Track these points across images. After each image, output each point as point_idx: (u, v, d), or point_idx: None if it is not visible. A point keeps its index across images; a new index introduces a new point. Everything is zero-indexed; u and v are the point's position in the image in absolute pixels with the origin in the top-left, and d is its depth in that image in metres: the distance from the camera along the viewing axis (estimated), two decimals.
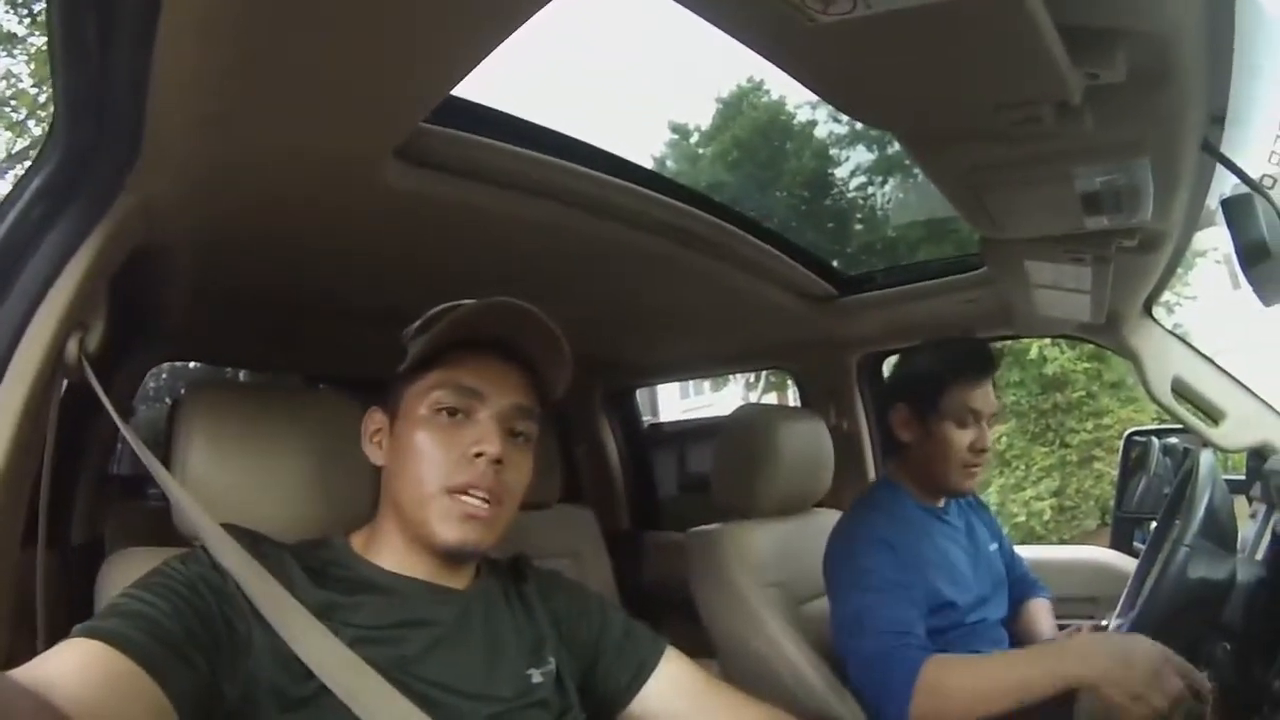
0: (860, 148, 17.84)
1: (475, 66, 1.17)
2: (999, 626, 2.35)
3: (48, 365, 1.30)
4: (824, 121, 18.12)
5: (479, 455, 1.36)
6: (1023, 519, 12.38)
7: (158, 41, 1.06)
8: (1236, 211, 1.45)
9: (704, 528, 2.61)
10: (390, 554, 1.41)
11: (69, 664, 1.00)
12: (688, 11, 1.05)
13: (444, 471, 1.36)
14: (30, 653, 1.03)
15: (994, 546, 2.49)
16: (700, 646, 1.66)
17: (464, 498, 1.35)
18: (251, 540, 1.30)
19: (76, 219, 1.34)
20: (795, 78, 1.21)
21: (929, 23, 1.00)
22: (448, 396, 1.40)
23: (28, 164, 1.39)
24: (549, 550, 2.61)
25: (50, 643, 1.05)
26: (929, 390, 2.26)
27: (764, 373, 14.29)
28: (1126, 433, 3.41)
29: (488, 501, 1.36)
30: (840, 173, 18.33)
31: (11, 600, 1.38)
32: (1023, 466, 12.95)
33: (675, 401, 20.64)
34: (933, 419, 2.25)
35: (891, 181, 17.63)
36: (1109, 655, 1.66)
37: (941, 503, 2.38)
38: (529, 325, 1.42)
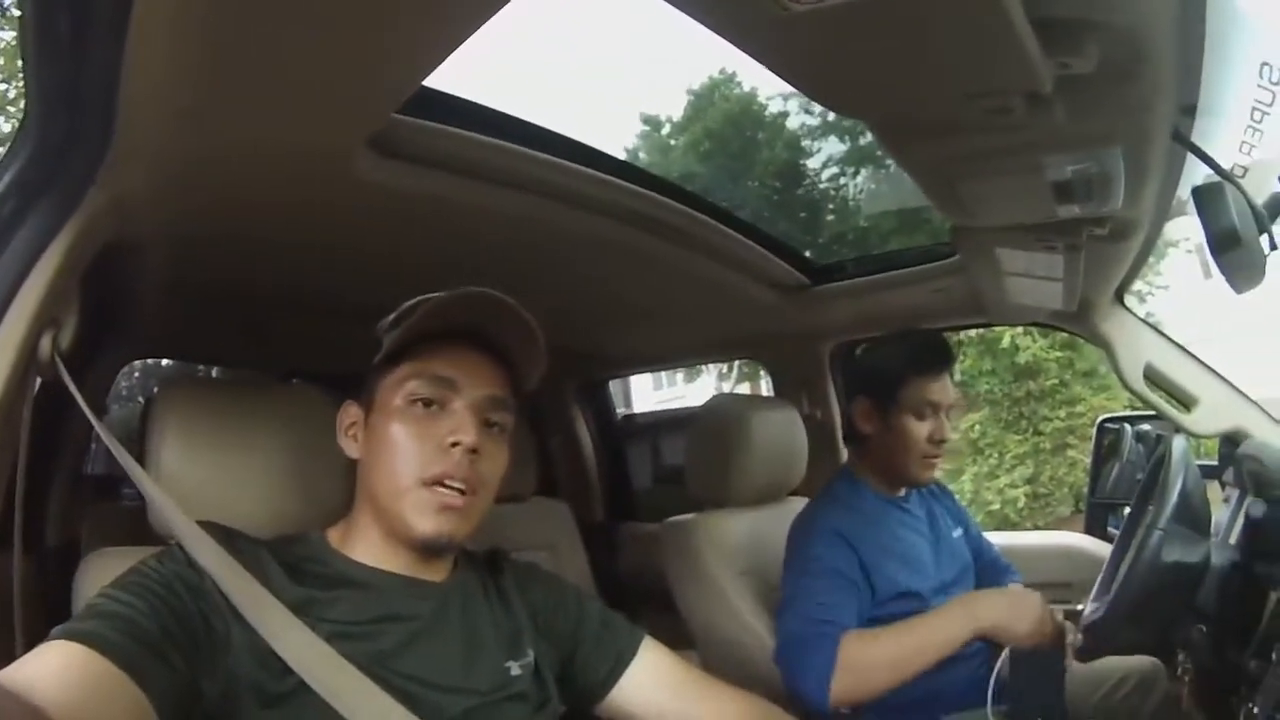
0: (832, 139, 17.89)
1: (447, 57, 1.17)
2: None
3: (20, 363, 1.29)
4: (795, 113, 18.17)
5: (454, 445, 1.35)
6: (997, 506, 12.49)
7: (130, 34, 1.05)
8: (1208, 200, 1.46)
9: (679, 518, 2.63)
10: (366, 548, 1.40)
11: (48, 667, 0.99)
12: (660, 2, 1.05)
13: (419, 463, 1.35)
14: (8, 655, 1.02)
15: (958, 533, 2.53)
16: (677, 637, 1.67)
17: (439, 489, 1.35)
18: (227, 537, 1.29)
19: (48, 214, 1.33)
20: (768, 67, 1.21)
21: (902, 10, 1.01)
22: (422, 387, 1.39)
23: None
24: (525, 543, 2.60)
25: (28, 645, 1.05)
26: (888, 384, 2.32)
27: (737, 363, 14.34)
28: (1099, 419, 3.43)
29: (463, 492, 1.35)
30: (812, 164, 18.38)
31: None
32: (996, 454, 13.06)
33: (649, 393, 20.65)
34: (892, 411, 2.31)
35: (864, 172, 17.69)
36: (1001, 605, 2.04)
37: (902, 492, 2.43)
38: (504, 316, 1.41)
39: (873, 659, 1.96)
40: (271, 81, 1.19)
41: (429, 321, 1.39)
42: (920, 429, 2.28)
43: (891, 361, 2.36)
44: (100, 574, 1.33)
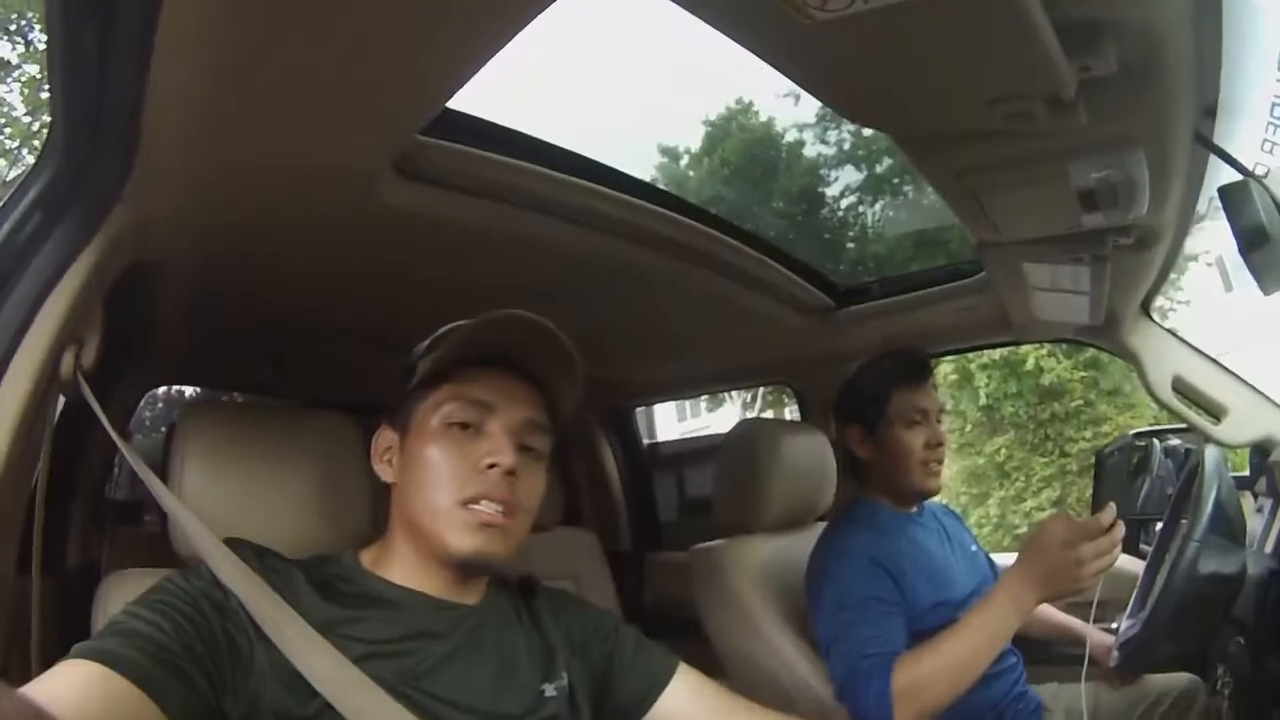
0: (849, 168, 17.93)
1: (470, 78, 1.18)
2: None
3: (42, 380, 1.29)
4: (811, 143, 18.20)
5: (491, 466, 1.34)
6: (1024, 530, 12.40)
7: (155, 54, 1.05)
8: (1233, 199, 1.45)
9: (708, 544, 2.59)
10: (401, 570, 1.39)
11: (66, 686, 0.98)
12: (677, 29, 1.05)
13: (457, 484, 1.34)
14: (24, 677, 1.02)
15: (974, 548, 2.53)
16: (705, 668, 1.64)
17: (477, 507, 1.33)
18: (258, 555, 1.29)
19: (72, 231, 1.34)
20: (791, 78, 1.21)
21: (924, 17, 1.01)
22: (458, 410, 1.38)
23: None
24: (551, 573, 2.57)
25: (45, 667, 1.04)
26: (875, 403, 2.35)
27: (760, 392, 14.31)
28: (1129, 434, 3.41)
29: (502, 512, 1.35)
30: (831, 191, 18.39)
31: (5, 624, 1.37)
32: (1023, 477, 13.02)
33: (673, 424, 20.61)
34: (883, 428, 2.34)
35: (881, 201, 17.73)
36: (1034, 579, 1.84)
37: (915, 509, 2.43)
38: (541, 339, 1.41)
39: (927, 674, 1.91)
40: (295, 102, 1.19)
41: (467, 345, 1.39)
42: (914, 437, 2.30)
43: (874, 382, 2.39)
44: (120, 596, 1.33)
